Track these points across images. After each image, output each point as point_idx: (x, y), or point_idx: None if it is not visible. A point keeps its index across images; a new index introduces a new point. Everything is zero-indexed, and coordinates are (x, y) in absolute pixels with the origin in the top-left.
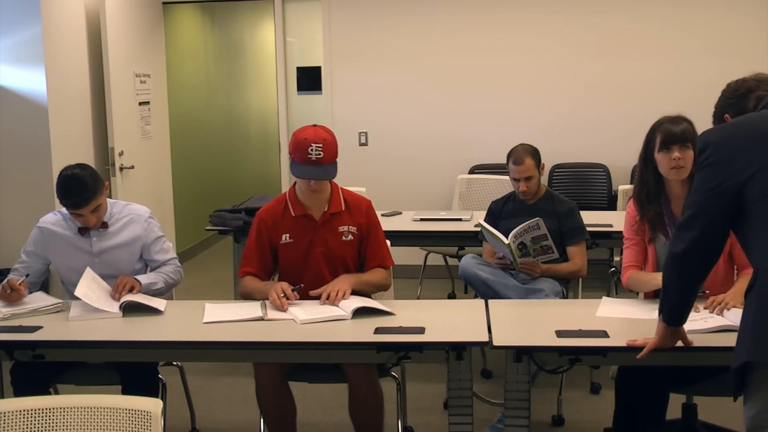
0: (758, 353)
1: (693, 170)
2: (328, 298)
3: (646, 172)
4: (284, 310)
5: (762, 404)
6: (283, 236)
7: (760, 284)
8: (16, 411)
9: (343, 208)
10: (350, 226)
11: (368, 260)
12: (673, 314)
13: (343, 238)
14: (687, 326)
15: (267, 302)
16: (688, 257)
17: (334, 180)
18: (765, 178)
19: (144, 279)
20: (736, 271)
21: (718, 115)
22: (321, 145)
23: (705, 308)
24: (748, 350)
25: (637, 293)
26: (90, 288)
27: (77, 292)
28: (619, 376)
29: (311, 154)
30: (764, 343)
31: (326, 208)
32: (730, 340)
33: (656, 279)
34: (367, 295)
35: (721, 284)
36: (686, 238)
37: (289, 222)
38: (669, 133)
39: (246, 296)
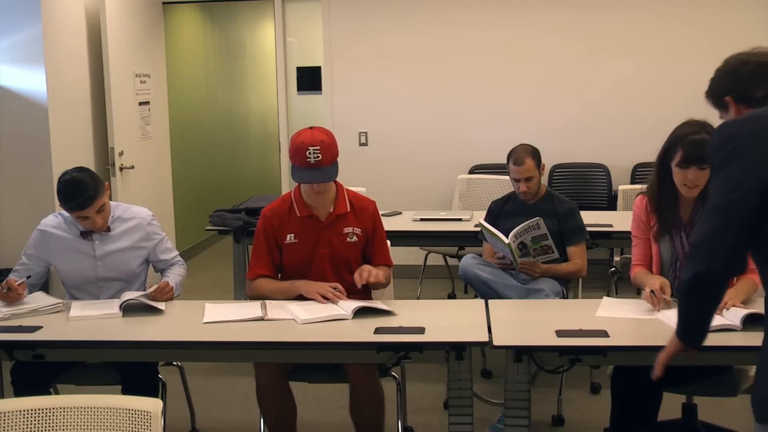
0: None
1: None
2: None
3: (665, 178)
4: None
5: None
6: (288, 236)
7: None
8: (16, 411)
9: (349, 210)
10: (355, 228)
11: (373, 261)
12: (697, 336)
13: (348, 239)
14: None
15: (267, 302)
16: (709, 279)
17: (339, 181)
18: None
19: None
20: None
21: (717, 96)
22: (318, 148)
23: None
24: None
25: (638, 292)
26: (84, 310)
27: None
28: (613, 376)
29: (309, 158)
30: None
31: (331, 209)
32: (730, 340)
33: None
34: (368, 294)
35: None
36: (707, 258)
37: (294, 222)
38: (692, 150)
39: (260, 298)
